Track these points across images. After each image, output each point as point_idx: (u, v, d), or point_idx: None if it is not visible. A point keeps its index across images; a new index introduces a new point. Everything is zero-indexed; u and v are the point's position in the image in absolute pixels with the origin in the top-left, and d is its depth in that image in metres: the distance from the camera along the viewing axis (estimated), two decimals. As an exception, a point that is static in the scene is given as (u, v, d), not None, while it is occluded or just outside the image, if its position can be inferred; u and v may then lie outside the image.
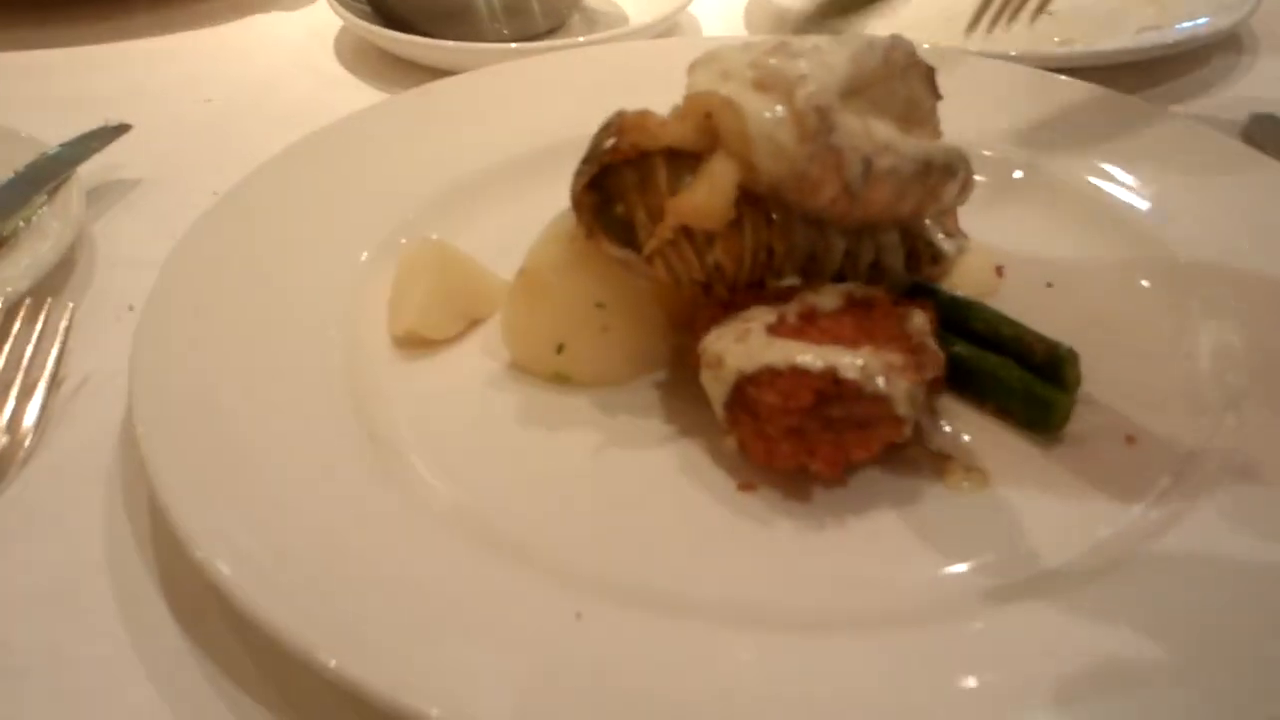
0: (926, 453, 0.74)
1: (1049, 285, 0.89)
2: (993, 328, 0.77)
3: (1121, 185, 0.97)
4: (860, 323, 0.72)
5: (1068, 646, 0.59)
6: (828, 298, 0.74)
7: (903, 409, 0.68)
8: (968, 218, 0.90)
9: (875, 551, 0.68)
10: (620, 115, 0.74)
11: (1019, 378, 0.75)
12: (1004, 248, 0.91)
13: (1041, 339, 0.76)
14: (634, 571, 0.66)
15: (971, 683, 0.58)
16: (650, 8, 1.39)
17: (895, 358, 0.68)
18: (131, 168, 1.10)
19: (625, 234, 0.74)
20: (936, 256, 0.84)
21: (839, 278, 0.78)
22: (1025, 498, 0.71)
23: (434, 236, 0.90)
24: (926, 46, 0.81)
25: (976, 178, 0.84)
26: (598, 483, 0.73)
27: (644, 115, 0.74)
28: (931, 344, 0.72)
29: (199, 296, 0.81)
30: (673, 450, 0.75)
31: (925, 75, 0.78)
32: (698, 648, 0.60)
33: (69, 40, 1.39)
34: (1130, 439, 0.75)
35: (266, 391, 0.75)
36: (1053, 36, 1.26)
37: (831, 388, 0.67)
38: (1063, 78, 1.11)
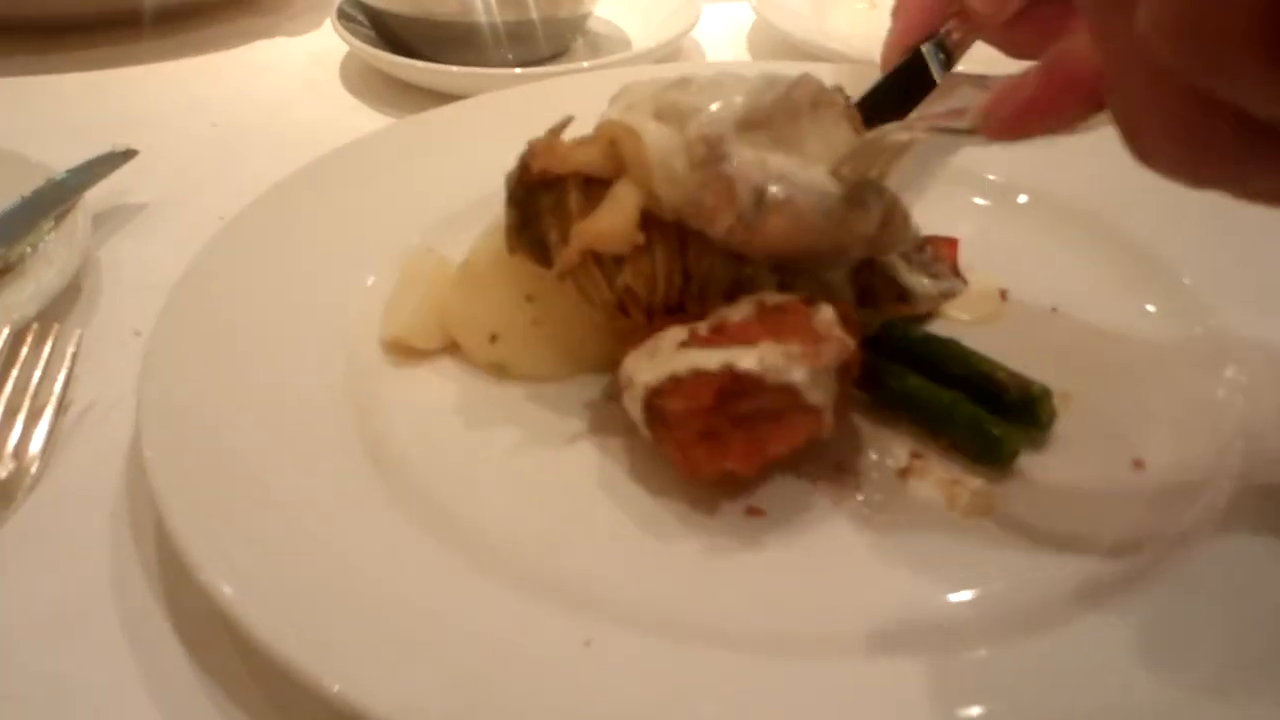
0: (932, 477, 0.74)
1: (1054, 309, 0.88)
2: (972, 366, 0.77)
3: (1126, 209, 0.97)
4: (767, 325, 0.73)
5: (1071, 678, 0.59)
6: (739, 309, 0.75)
7: (813, 397, 0.68)
8: (972, 241, 0.90)
9: (881, 578, 0.68)
10: (531, 141, 0.77)
11: (968, 414, 0.74)
12: (1008, 272, 0.91)
13: (1014, 375, 0.75)
14: (640, 597, 0.65)
15: (976, 712, 0.57)
16: (654, 33, 1.40)
17: (794, 348, 0.69)
18: (138, 193, 1.10)
19: (543, 253, 0.77)
20: (904, 295, 0.84)
21: None
22: (1031, 523, 0.71)
23: (438, 255, 0.90)
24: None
25: (979, 201, 0.84)
26: (600, 507, 0.72)
27: (554, 141, 0.76)
28: (838, 332, 0.71)
29: (207, 322, 0.81)
30: (672, 474, 0.74)
31: (845, 115, 0.77)
32: (712, 675, 0.59)
33: (75, 66, 1.40)
34: (1138, 463, 0.75)
35: (274, 416, 0.75)
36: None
37: (732, 383, 0.67)
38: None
